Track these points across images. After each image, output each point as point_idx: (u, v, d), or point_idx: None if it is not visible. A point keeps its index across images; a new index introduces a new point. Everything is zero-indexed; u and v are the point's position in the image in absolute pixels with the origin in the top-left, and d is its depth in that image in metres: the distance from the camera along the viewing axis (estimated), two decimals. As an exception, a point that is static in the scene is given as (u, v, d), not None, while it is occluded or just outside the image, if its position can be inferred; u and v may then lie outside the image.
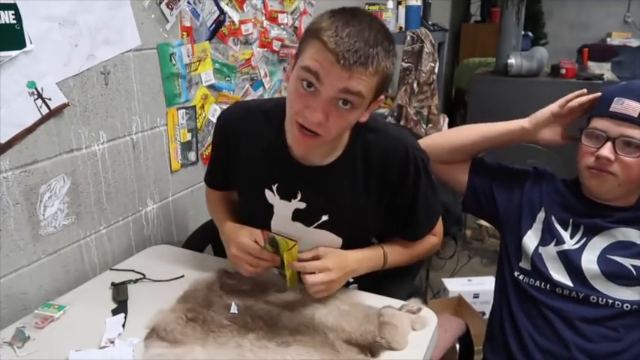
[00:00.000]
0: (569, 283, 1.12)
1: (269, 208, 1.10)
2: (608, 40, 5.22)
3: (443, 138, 1.35)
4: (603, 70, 3.39)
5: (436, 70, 2.53)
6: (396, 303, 1.06)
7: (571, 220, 1.15)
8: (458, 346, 1.38)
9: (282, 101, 1.01)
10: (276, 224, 1.11)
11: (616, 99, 1.07)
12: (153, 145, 1.41)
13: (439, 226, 1.21)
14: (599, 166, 1.08)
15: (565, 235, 1.15)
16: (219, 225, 1.20)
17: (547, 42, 5.21)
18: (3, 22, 0.97)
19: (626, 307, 1.08)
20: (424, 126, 2.55)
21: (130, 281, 1.16)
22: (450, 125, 3.14)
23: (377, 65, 0.87)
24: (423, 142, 1.21)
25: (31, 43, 1.02)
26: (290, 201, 1.08)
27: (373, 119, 1.05)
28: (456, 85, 4.62)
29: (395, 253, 1.14)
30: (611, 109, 1.07)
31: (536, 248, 1.16)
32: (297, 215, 1.08)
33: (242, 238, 1.05)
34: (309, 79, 0.88)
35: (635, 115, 1.04)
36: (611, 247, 1.11)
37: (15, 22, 0.99)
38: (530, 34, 4.25)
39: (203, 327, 0.96)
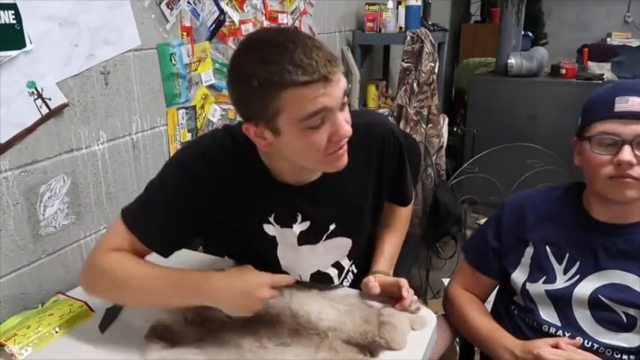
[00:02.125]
0: (558, 323, 1.07)
1: (271, 241, 1.04)
2: (608, 40, 5.21)
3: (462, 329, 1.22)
4: (603, 70, 3.39)
5: (436, 70, 2.53)
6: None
7: (567, 255, 1.07)
8: (458, 346, 1.38)
9: (236, 142, 0.95)
10: (283, 253, 1.06)
11: (618, 98, 0.98)
12: (153, 145, 1.41)
13: (408, 210, 1.27)
14: (620, 174, 0.96)
15: (558, 269, 1.08)
16: (181, 290, 0.92)
17: (547, 42, 5.21)
18: (3, 22, 0.97)
19: (616, 354, 1.02)
20: (424, 126, 2.55)
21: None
22: (450, 125, 3.14)
23: (337, 56, 0.86)
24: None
25: (31, 43, 1.02)
26: (292, 227, 1.02)
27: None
28: (456, 85, 4.62)
29: (394, 236, 1.21)
30: (616, 110, 0.97)
31: (524, 284, 1.10)
32: (303, 237, 1.03)
33: (267, 276, 0.94)
34: (319, 121, 0.82)
35: None
36: (605, 288, 1.04)
37: (15, 22, 0.99)
38: (530, 34, 4.24)
39: (203, 327, 0.96)
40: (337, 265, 1.12)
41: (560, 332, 1.07)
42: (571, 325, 1.06)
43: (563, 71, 3.11)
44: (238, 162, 0.96)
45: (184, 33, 1.45)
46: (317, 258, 1.07)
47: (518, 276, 1.12)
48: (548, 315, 1.09)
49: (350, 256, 1.13)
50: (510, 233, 1.15)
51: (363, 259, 1.19)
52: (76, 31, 1.12)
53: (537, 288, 1.09)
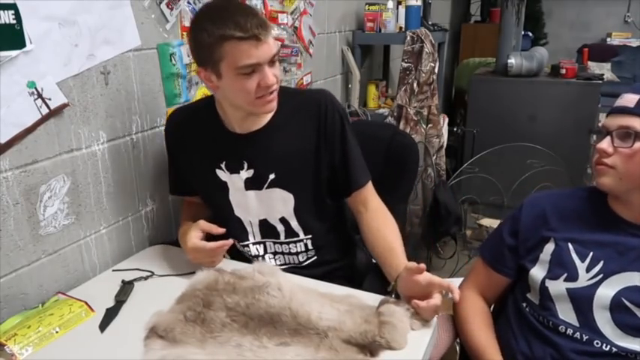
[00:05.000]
0: (576, 324, 1.06)
1: (223, 186, 1.24)
2: (608, 40, 5.22)
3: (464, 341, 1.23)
4: (603, 70, 3.39)
5: (436, 70, 2.53)
6: (393, 299, 1.06)
7: (591, 254, 1.07)
8: (458, 346, 1.38)
9: (207, 99, 1.27)
10: (234, 197, 1.24)
11: (620, 96, 1.06)
12: (153, 145, 1.41)
13: (373, 189, 1.28)
14: (597, 161, 1.06)
15: (580, 266, 1.07)
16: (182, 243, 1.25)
17: (547, 42, 5.21)
18: (3, 22, 0.97)
19: (631, 357, 1.01)
20: (424, 126, 2.55)
21: (140, 278, 1.18)
22: (450, 125, 3.15)
23: (269, 23, 1.09)
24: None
25: (31, 43, 1.02)
26: (239, 173, 1.21)
27: (294, 88, 1.26)
28: (456, 85, 4.62)
29: (392, 233, 1.21)
30: (615, 105, 1.06)
31: (543, 281, 1.09)
32: (249, 183, 1.22)
33: (190, 242, 1.17)
34: (248, 70, 1.06)
35: (632, 106, 1.02)
36: (628, 290, 1.03)
37: (15, 22, 0.99)
38: (530, 34, 4.25)
39: (203, 327, 0.96)
40: (283, 221, 1.25)
41: (577, 334, 1.05)
42: (589, 327, 1.04)
43: (563, 71, 3.11)
44: (201, 114, 1.25)
45: (184, 33, 1.45)
46: (263, 204, 1.23)
47: (537, 272, 1.11)
48: (566, 315, 1.07)
49: (297, 215, 1.23)
50: (529, 230, 1.15)
51: (323, 241, 1.28)
52: (76, 31, 1.12)
53: (558, 286, 1.08)
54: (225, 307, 1.02)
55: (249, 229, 1.27)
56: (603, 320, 1.04)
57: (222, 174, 1.22)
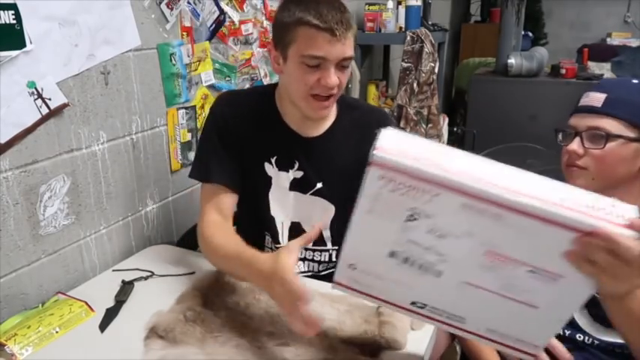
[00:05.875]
0: None
1: (267, 181, 1.19)
2: (608, 40, 5.21)
3: None
4: (603, 70, 3.39)
5: (436, 70, 2.53)
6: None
7: None
8: (458, 346, 1.38)
9: (265, 87, 1.22)
10: (274, 194, 1.20)
11: (584, 94, 1.06)
12: (153, 145, 1.41)
13: None
14: (568, 162, 1.06)
15: None
16: (250, 275, 0.96)
17: (547, 42, 5.21)
18: (3, 22, 0.97)
19: (617, 350, 1.02)
20: (424, 126, 2.55)
21: (140, 278, 1.17)
22: (450, 125, 3.15)
23: (353, 24, 1.05)
24: None
25: (31, 43, 1.02)
26: (288, 171, 1.17)
27: (353, 98, 1.20)
28: (456, 85, 4.63)
29: None
30: (579, 104, 1.06)
31: None
32: (294, 184, 1.18)
33: (289, 272, 0.83)
34: (314, 62, 1.03)
35: (599, 105, 1.01)
36: None
37: (15, 22, 0.99)
38: (530, 34, 4.25)
39: (203, 327, 0.96)
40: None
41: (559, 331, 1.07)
42: (570, 324, 1.06)
43: (563, 71, 3.11)
44: (258, 102, 1.20)
45: (184, 33, 1.45)
46: (301, 208, 1.20)
47: None
48: None
49: (332, 226, 1.19)
50: None
51: None
52: (76, 31, 1.12)
53: None
54: (225, 307, 1.02)
55: (279, 229, 1.22)
56: (581, 316, 1.06)
57: (270, 169, 1.18)
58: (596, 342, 1.04)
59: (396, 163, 0.64)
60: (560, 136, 1.09)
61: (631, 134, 0.99)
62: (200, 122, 1.56)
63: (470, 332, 0.79)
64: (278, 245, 1.22)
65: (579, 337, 1.06)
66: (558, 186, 0.66)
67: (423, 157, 0.65)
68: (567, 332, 1.06)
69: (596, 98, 1.02)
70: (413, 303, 0.79)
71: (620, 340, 1.03)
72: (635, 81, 1.06)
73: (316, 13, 1.01)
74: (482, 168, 0.66)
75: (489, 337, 0.78)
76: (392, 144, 0.66)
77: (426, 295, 0.78)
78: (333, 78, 1.05)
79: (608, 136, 1.00)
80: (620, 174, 1.02)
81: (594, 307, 1.04)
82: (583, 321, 1.06)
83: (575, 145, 1.03)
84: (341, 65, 1.06)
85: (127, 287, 1.14)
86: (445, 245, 0.70)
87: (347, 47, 1.04)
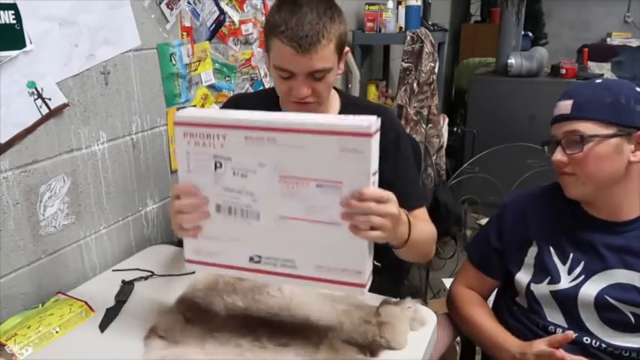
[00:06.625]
0: (564, 324, 1.07)
1: None
2: (608, 40, 5.22)
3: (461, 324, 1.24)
4: (603, 70, 3.39)
5: (436, 70, 2.53)
6: (393, 299, 1.06)
7: (571, 255, 1.08)
8: (458, 345, 1.38)
9: (272, 89, 1.22)
10: None
11: (555, 105, 1.08)
12: (153, 145, 1.41)
13: (426, 215, 1.19)
14: (560, 171, 1.07)
15: (562, 269, 1.09)
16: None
17: (547, 42, 5.21)
18: (3, 22, 0.97)
19: (625, 353, 1.03)
20: (424, 126, 2.55)
21: (140, 278, 1.17)
22: (450, 125, 3.15)
23: (327, 35, 1.01)
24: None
25: (31, 43, 1.02)
26: None
27: (357, 97, 1.18)
28: (456, 85, 4.63)
29: (417, 222, 1.10)
30: (554, 115, 1.08)
31: (529, 285, 1.11)
32: None
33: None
34: (284, 74, 1.05)
35: (569, 112, 1.03)
36: (610, 288, 1.04)
37: (15, 22, 0.99)
38: (530, 34, 4.25)
39: (203, 327, 0.96)
40: None
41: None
42: (578, 327, 1.06)
43: (563, 71, 3.12)
44: (264, 103, 1.16)
45: (184, 33, 1.45)
46: None
47: (523, 276, 1.12)
48: (554, 316, 1.08)
49: None
50: (512, 233, 1.16)
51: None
52: (76, 31, 1.12)
53: (542, 289, 1.09)
54: (225, 307, 1.02)
55: None
56: (591, 319, 1.05)
57: None
58: (603, 345, 1.03)
59: (190, 118, 0.84)
60: (546, 150, 1.11)
61: (605, 131, 1.00)
62: (200, 122, 1.56)
63: (303, 277, 0.85)
64: None
65: (586, 339, 1.05)
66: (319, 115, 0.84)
67: (211, 113, 0.87)
68: (574, 335, 1.03)
69: (564, 106, 1.05)
70: (251, 259, 0.86)
71: (630, 345, 1.02)
72: (598, 81, 1.08)
73: (288, 23, 0.99)
74: (257, 113, 0.82)
75: (320, 277, 0.84)
76: (189, 111, 0.88)
77: (257, 245, 0.85)
78: (302, 90, 1.05)
79: (583, 138, 1.01)
80: (607, 172, 1.03)
81: (604, 311, 1.04)
82: (592, 324, 1.05)
83: (558, 154, 1.05)
84: (313, 77, 1.04)
85: (127, 287, 1.14)
86: (251, 183, 0.81)
87: (315, 61, 1.01)
